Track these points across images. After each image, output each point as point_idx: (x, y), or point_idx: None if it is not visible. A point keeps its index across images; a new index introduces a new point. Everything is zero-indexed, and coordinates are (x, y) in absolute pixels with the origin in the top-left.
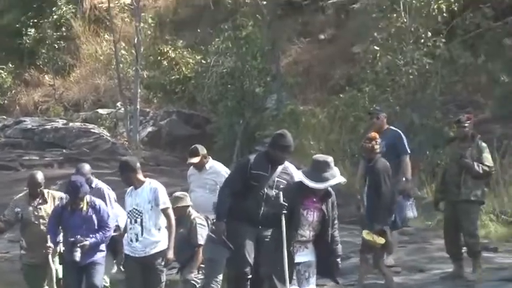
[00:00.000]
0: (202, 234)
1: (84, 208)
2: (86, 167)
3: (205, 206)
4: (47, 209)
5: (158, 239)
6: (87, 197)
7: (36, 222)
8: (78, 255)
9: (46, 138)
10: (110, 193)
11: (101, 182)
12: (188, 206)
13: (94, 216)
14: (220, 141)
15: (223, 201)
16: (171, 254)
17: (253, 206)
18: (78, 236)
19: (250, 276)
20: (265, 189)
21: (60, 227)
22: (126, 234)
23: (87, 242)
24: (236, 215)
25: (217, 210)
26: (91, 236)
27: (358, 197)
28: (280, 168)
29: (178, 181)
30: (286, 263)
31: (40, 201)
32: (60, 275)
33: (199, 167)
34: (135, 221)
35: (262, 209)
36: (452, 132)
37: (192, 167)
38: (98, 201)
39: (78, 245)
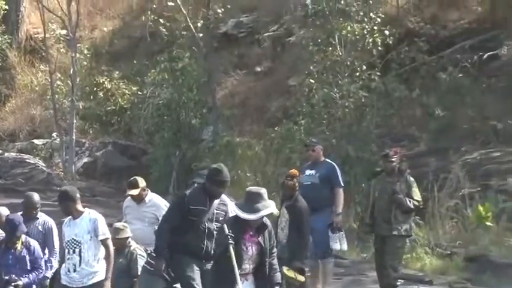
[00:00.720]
0: (142, 265)
1: (19, 248)
2: (35, 197)
3: (144, 239)
4: None
5: (96, 269)
6: (23, 237)
7: None
8: None
9: None
10: (53, 226)
11: (44, 214)
12: (128, 237)
13: (27, 257)
14: (156, 172)
15: (162, 237)
16: (108, 285)
17: (195, 241)
18: (13, 275)
19: None
20: (206, 223)
21: None
22: (63, 265)
23: (20, 282)
24: (179, 250)
25: (157, 247)
26: (24, 275)
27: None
28: (217, 200)
29: (114, 212)
30: None
31: None
32: None
33: (138, 199)
34: (73, 251)
35: (205, 242)
36: (379, 167)
37: (128, 198)
38: (33, 242)
39: (12, 284)
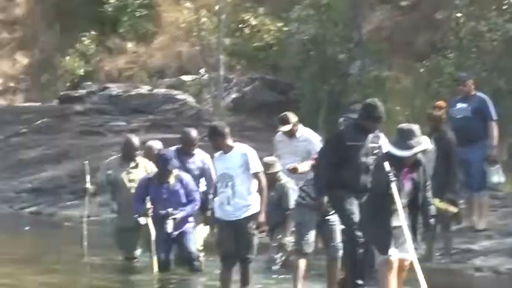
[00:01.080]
0: (294, 198)
1: (172, 182)
2: (193, 133)
3: (293, 174)
4: (138, 174)
5: (250, 202)
6: (175, 171)
7: (128, 185)
8: (170, 227)
9: (131, 105)
10: (210, 161)
11: (201, 150)
12: (278, 171)
13: (181, 191)
14: (304, 107)
15: (323, 173)
16: (262, 218)
17: (352, 175)
18: (170, 210)
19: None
20: (362, 158)
21: (147, 198)
22: (216, 198)
23: (178, 215)
24: (337, 185)
25: (318, 183)
26: (180, 209)
27: None
28: (371, 135)
29: (264, 146)
30: (407, 231)
31: (133, 166)
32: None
33: (290, 134)
34: (226, 185)
35: (362, 177)
36: None
37: (280, 133)
38: (185, 176)
39: (170, 217)
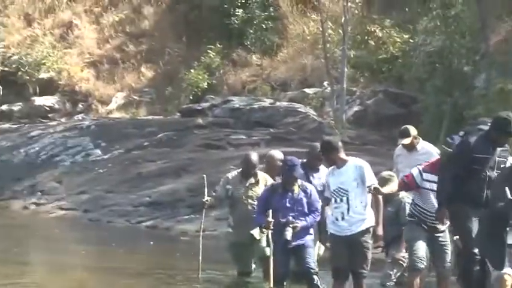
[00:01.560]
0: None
1: (296, 191)
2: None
3: None
4: (258, 190)
5: (364, 216)
6: (299, 181)
7: (246, 201)
8: (289, 234)
9: (253, 118)
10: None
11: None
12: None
13: (304, 200)
14: (427, 120)
15: (445, 186)
16: (380, 231)
17: (476, 189)
18: (290, 218)
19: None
20: (487, 171)
21: (268, 210)
22: (328, 214)
23: (298, 224)
24: (459, 198)
25: (440, 196)
26: (301, 218)
27: None
28: (499, 148)
29: (384, 160)
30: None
31: (252, 182)
32: (267, 253)
33: (410, 147)
34: (341, 200)
35: (485, 191)
36: None
37: (400, 146)
38: (309, 186)
39: (290, 225)
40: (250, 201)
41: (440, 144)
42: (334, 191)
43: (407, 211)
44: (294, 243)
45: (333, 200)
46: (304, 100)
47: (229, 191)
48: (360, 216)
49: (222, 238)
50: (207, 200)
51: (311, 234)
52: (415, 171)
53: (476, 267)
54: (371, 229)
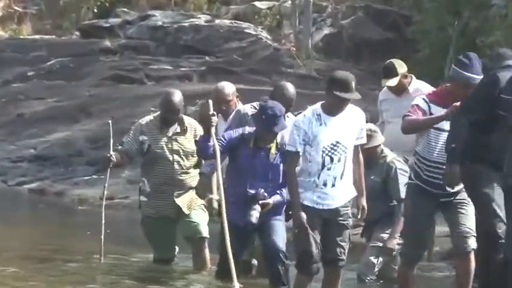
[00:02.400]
0: (404, 184)
1: (272, 151)
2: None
3: (406, 143)
4: (185, 142)
5: (350, 183)
6: (279, 137)
7: (170, 158)
8: (255, 215)
9: (183, 41)
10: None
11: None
12: (379, 145)
13: (281, 166)
14: (425, 48)
15: (457, 134)
16: (365, 203)
17: (499, 143)
18: (262, 190)
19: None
20: None
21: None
22: (311, 179)
23: (270, 201)
24: (475, 155)
25: (451, 148)
26: (275, 191)
27: None
28: None
29: (366, 105)
30: None
31: (177, 131)
32: (203, 234)
33: (398, 90)
34: (338, 160)
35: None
36: None
37: (385, 89)
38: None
39: (260, 201)
40: (176, 157)
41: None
42: (327, 147)
43: (400, 180)
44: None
45: (320, 158)
46: (254, 18)
47: (144, 143)
48: (350, 184)
49: (136, 208)
50: (111, 156)
51: (280, 216)
52: (419, 101)
53: (500, 254)
54: (353, 200)
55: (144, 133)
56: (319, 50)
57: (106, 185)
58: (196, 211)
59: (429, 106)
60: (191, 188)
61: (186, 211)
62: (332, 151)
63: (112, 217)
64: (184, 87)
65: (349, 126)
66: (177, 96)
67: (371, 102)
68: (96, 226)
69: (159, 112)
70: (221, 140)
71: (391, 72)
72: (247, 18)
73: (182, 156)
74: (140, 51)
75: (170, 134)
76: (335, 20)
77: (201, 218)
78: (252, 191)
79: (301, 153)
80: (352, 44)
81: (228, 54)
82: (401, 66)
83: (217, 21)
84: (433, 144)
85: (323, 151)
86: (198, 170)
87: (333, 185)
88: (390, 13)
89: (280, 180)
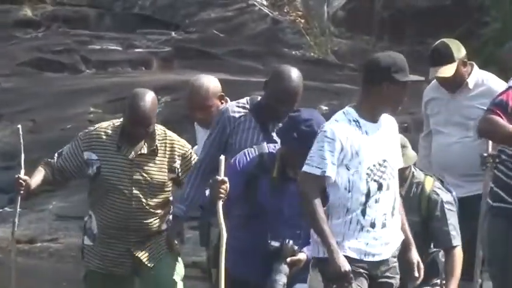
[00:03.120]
0: (455, 225)
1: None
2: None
3: (465, 165)
4: (153, 170)
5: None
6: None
7: (127, 191)
8: (283, 280)
9: (137, 8)
10: None
11: None
12: (409, 166)
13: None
14: (497, 22)
15: None
16: (417, 255)
17: None
18: (290, 242)
19: None
20: None
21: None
22: (349, 216)
23: (302, 256)
24: None
25: None
26: (308, 242)
27: None
28: None
29: (404, 107)
30: None
31: (142, 152)
32: None
33: (453, 84)
34: (387, 187)
35: None
36: None
37: (434, 83)
38: None
39: (288, 259)
40: (135, 190)
41: None
42: (373, 168)
43: (450, 221)
44: None
45: (365, 185)
46: None
47: (91, 164)
48: (399, 223)
49: (70, 257)
50: (21, 178)
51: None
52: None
53: None
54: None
55: (93, 148)
56: (339, 23)
57: (16, 220)
58: (166, 260)
59: None
60: (159, 232)
61: (149, 263)
62: (380, 174)
63: (33, 269)
64: (139, 77)
65: (392, 140)
66: (149, 102)
67: (415, 101)
68: (4, 282)
69: (121, 120)
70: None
71: (445, 56)
72: None
73: (145, 189)
74: (75, 24)
75: (132, 155)
76: None
77: (172, 271)
78: (276, 244)
79: (333, 179)
80: (388, 13)
81: (204, 28)
82: (458, 49)
83: None
84: None
85: (368, 174)
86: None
87: (384, 225)
88: None
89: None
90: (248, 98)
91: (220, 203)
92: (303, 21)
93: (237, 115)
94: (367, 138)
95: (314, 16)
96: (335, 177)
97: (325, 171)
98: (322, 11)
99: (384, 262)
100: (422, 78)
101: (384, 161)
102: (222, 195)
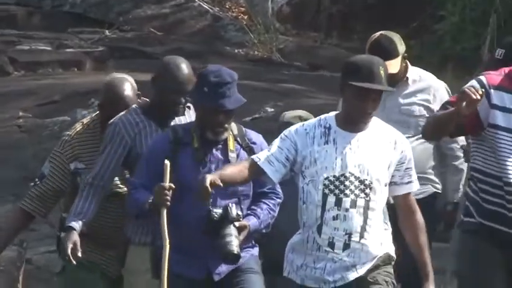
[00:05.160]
0: None
1: (231, 146)
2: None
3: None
4: None
5: (382, 240)
6: (234, 127)
7: (122, 189)
8: (235, 242)
9: (68, 5)
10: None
11: None
12: None
13: None
14: (452, 16)
15: None
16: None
17: None
18: (233, 205)
19: None
20: None
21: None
22: (308, 232)
23: (247, 223)
24: None
25: None
26: (249, 212)
27: None
28: None
29: None
30: None
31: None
32: None
33: (394, 79)
34: (353, 204)
35: None
36: None
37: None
38: (256, 137)
39: (236, 224)
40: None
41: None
42: (332, 179)
43: None
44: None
45: (320, 197)
46: None
47: (80, 174)
48: (379, 241)
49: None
50: None
51: (255, 246)
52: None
53: None
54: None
55: (79, 157)
56: (284, 19)
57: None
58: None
59: (488, 93)
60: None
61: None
62: (343, 187)
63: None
64: (71, 78)
65: (377, 153)
66: (129, 88)
67: None
68: None
69: (95, 115)
70: (141, 167)
71: (389, 51)
72: None
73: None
74: (1, 24)
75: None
76: None
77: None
78: (219, 210)
79: (270, 175)
80: (336, 9)
81: (140, 26)
82: (401, 42)
83: None
84: (504, 153)
85: (325, 185)
86: None
87: (347, 247)
88: None
89: (251, 191)
90: (134, 105)
91: (165, 211)
92: (246, 17)
93: (133, 123)
94: (332, 147)
95: (258, 12)
96: (275, 176)
97: (260, 160)
98: (266, 7)
99: (360, 280)
100: (375, 87)
101: (351, 173)
102: (167, 202)
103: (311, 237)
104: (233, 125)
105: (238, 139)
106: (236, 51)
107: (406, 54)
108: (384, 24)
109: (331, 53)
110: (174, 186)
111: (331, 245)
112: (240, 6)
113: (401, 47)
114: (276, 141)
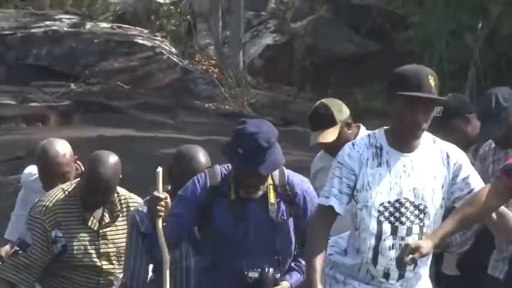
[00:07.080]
0: None
1: (272, 199)
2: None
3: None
4: (120, 238)
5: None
6: (276, 175)
7: (96, 263)
8: None
9: (32, 58)
10: None
11: None
12: None
13: (290, 222)
14: (430, 67)
15: None
16: None
17: None
18: (270, 270)
19: None
20: None
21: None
22: (360, 260)
23: (287, 285)
24: None
25: None
26: (292, 269)
27: None
28: None
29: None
30: None
31: (106, 219)
32: None
33: (337, 148)
34: (409, 231)
35: None
36: None
37: (321, 153)
38: (299, 184)
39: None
40: (104, 265)
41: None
42: (388, 206)
43: None
44: None
45: (375, 225)
46: (150, 20)
47: (57, 242)
48: (427, 276)
49: None
50: None
51: None
52: None
53: None
54: None
55: (60, 225)
56: (256, 73)
57: None
58: None
59: None
60: None
61: None
62: (396, 213)
63: None
64: (35, 134)
65: (431, 174)
66: (111, 168)
67: None
68: None
69: (74, 183)
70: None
71: (325, 120)
72: (137, 20)
73: (114, 261)
74: None
75: (96, 226)
76: (282, 23)
77: None
78: (255, 274)
79: (338, 211)
80: (310, 61)
81: (106, 79)
82: (340, 110)
83: (89, 24)
84: None
85: (380, 212)
86: None
87: (402, 276)
88: (371, 10)
89: (292, 247)
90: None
91: (160, 221)
92: (216, 70)
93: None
94: (385, 170)
95: (229, 65)
96: (341, 208)
97: (328, 200)
98: (237, 60)
99: None
100: (425, 95)
101: (406, 199)
102: (161, 212)
103: (364, 266)
104: (275, 173)
105: (279, 189)
106: (206, 105)
107: (350, 121)
108: (359, 77)
109: (304, 108)
110: (168, 195)
111: (387, 276)
112: (211, 59)
113: (341, 115)
114: (335, 171)
